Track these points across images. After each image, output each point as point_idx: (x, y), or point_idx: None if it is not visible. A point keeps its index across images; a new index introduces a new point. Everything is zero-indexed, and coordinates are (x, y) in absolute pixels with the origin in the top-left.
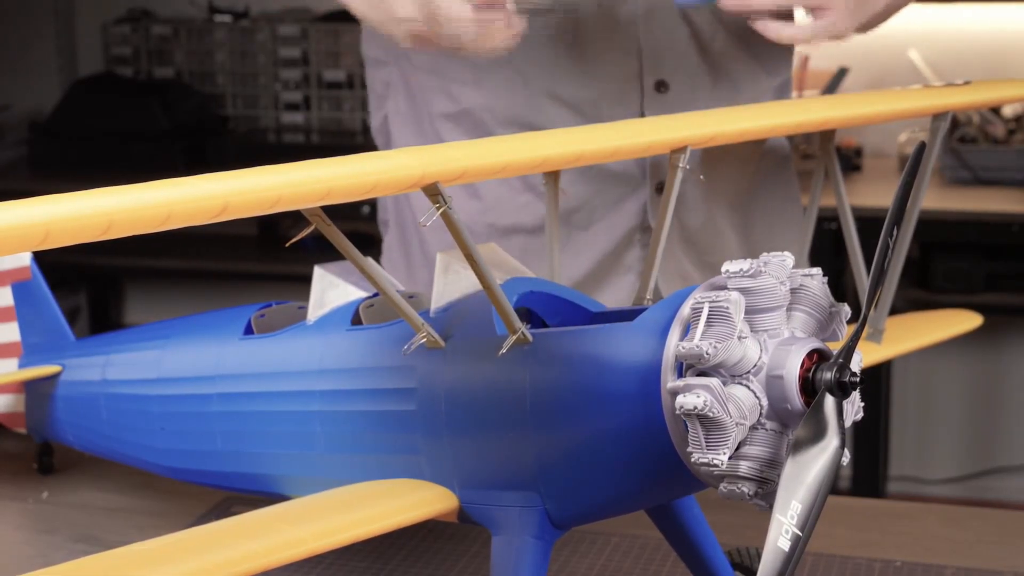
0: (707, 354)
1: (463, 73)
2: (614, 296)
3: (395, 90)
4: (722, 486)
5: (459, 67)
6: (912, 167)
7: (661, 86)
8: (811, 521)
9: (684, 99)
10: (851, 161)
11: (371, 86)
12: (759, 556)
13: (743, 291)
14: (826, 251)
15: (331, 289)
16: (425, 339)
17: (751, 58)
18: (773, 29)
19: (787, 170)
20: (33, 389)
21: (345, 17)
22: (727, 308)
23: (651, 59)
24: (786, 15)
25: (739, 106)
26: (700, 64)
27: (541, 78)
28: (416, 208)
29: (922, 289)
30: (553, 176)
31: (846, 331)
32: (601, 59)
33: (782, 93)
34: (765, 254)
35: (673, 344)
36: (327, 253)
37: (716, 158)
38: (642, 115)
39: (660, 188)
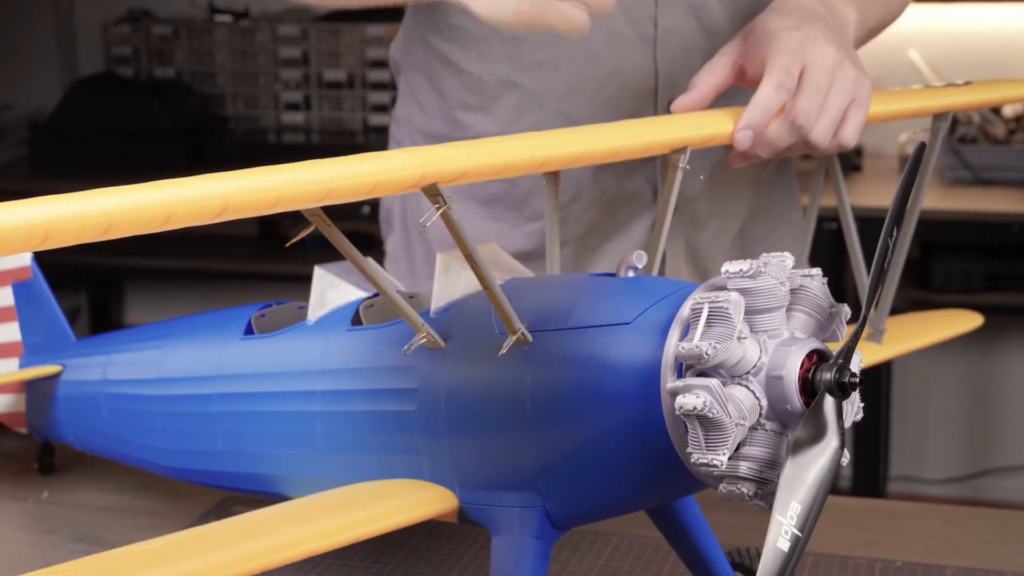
0: (707, 354)
1: (470, 98)
2: None
3: (406, 97)
4: (722, 486)
5: (465, 93)
6: (912, 167)
7: None
8: (811, 521)
9: None
10: (851, 161)
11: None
12: (759, 556)
13: (743, 291)
14: (826, 251)
15: (331, 289)
16: (425, 339)
17: None
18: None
19: (787, 170)
20: (34, 389)
21: (345, 17)
22: (727, 308)
23: (667, 79)
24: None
25: (738, 107)
26: None
27: (553, 99)
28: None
29: (922, 289)
30: (553, 176)
31: (846, 331)
32: (616, 79)
33: None
34: (765, 254)
35: (673, 344)
36: (327, 253)
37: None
38: None
39: None
